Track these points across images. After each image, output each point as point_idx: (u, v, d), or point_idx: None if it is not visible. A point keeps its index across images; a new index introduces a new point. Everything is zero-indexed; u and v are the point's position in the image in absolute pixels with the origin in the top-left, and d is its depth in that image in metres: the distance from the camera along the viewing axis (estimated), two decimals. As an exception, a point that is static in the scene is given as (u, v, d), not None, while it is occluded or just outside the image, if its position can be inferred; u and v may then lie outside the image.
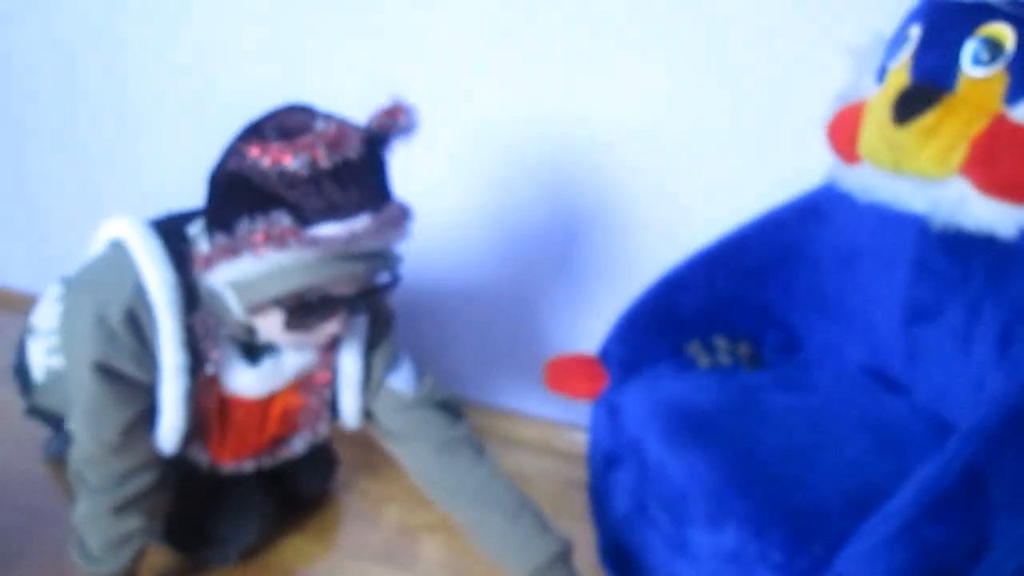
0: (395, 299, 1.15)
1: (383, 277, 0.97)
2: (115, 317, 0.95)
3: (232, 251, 0.85)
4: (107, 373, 0.98)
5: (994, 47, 0.93)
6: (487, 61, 1.44)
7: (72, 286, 1.01)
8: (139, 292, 0.95)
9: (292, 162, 0.81)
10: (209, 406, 1.08)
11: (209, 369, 1.03)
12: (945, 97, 0.95)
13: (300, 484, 1.42)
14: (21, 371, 1.32)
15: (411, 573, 1.31)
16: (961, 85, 0.95)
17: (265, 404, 1.12)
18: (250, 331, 1.01)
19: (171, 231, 0.99)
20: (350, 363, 1.13)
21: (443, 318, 1.69)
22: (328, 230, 0.83)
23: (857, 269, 1.18)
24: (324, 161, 0.81)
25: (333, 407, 1.18)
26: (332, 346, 1.11)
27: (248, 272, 0.86)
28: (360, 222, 0.85)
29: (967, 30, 0.95)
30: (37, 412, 1.36)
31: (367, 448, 1.52)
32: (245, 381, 1.08)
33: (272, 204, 0.82)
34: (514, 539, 1.08)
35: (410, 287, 1.64)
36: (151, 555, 1.28)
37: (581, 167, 1.44)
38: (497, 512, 1.09)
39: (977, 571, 0.80)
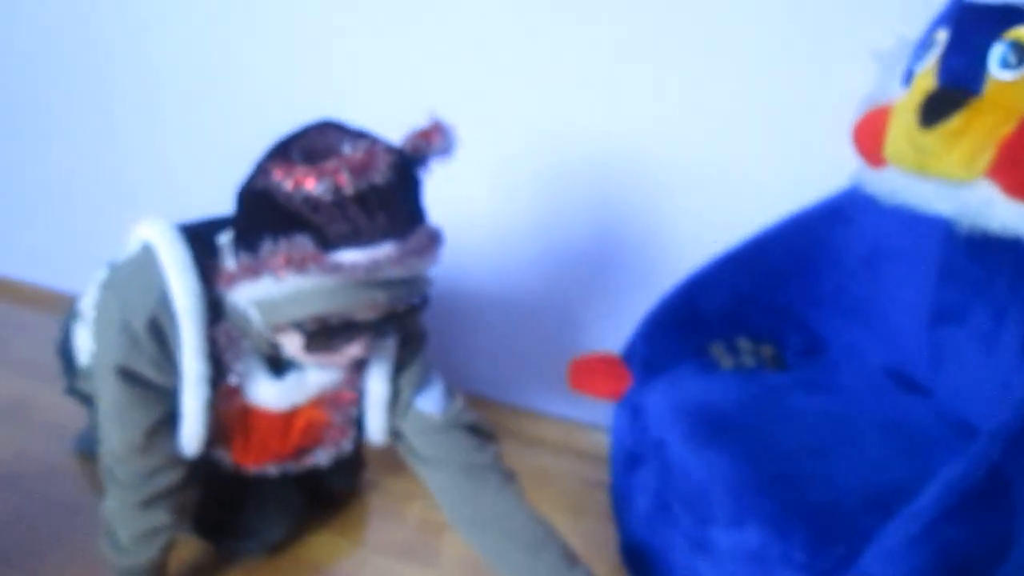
0: (427, 307, 1.14)
1: (411, 300, 0.93)
2: (139, 324, 0.95)
3: (254, 271, 0.85)
4: (130, 377, 0.99)
5: (1021, 50, 0.93)
6: (525, 70, 1.44)
7: (105, 284, 1.02)
8: (164, 300, 0.95)
9: (315, 187, 0.79)
10: (231, 415, 1.08)
11: (231, 380, 1.03)
12: (972, 100, 0.96)
13: (328, 483, 1.43)
14: (65, 354, 1.33)
15: (434, 569, 1.32)
16: (988, 88, 0.95)
17: (288, 417, 1.11)
18: (274, 346, 1.00)
19: (201, 239, 0.99)
20: (377, 384, 1.11)
21: (467, 317, 1.70)
22: (350, 256, 0.82)
23: (881, 272, 1.18)
24: (348, 187, 0.79)
25: (359, 424, 1.17)
26: (359, 366, 1.10)
27: (270, 293, 0.86)
28: (383, 250, 0.83)
29: (995, 34, 0.95)
30: (77, 393, 1.38)
31: (391, 447, 1.54)
32: (268, 394, 1.07)
33: (295, 227, 0.81)
34: (537, 574, 1.06)
35: (440, 289, 1.67)
36: (181, 546, 1.30)
37: (607, 171, 1.45)
38: (519, 545, 1.07)
39: (1000, 571, 0.80)
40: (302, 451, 1.19)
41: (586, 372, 1.27)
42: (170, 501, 1.11)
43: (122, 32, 1.80)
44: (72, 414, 1.57)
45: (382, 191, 0.81)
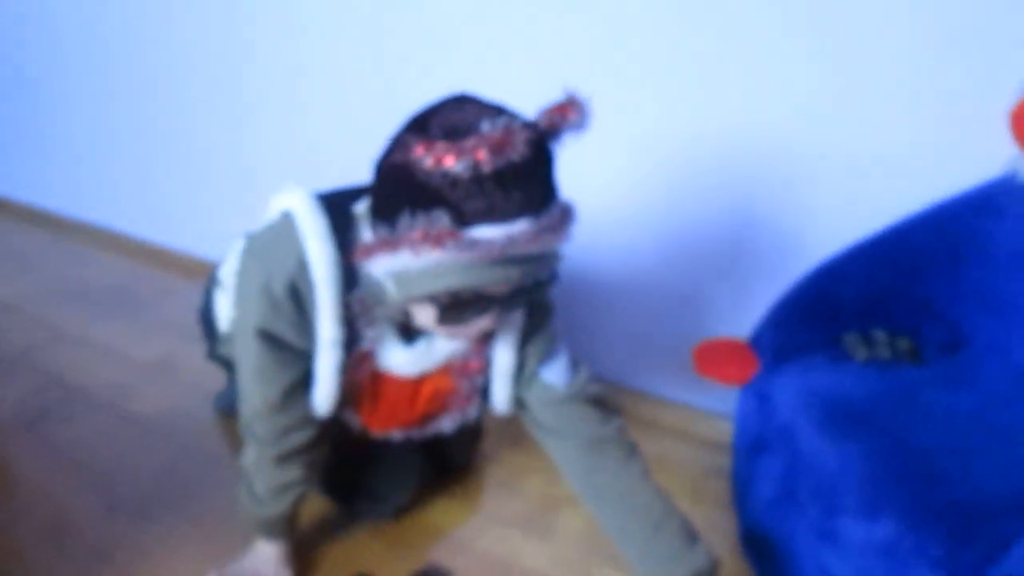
0: (554, 284, 1.14)
1: (541, 276, 0.93)
2: (279, 288, 0.99)
3: (391, 245, 0.86)
4: (270, 338, 1.05)
5: None
6: (663, 52, 1.43)
7: (246, 250, 1.06)
8: (302, 266, 0.98)
9: (455, 165, 0.79)
10: (362, 380, 1.12)
11: (364, 345, 1.06)
12: None
13: (449, 453, 1.48)
14: (207, 320, 1.41)
15: (550, 541, 1.35)
16: None
17: (416, 383, 1.15)
18: (406, 314, 1.01)
19: (338, 208, 1.01)
20: (504, 354, 1.13)
21: (591, 298, 1.72)
22: (486, 233, 0.82)
23: (1035, 268, 1.13)
24: (487, 165, 0.79)
25: (484, 392, 1.18)
26: (487, 336, 1.11)
27: (406, 266, 0.86)
28: (519, 226, 0.83)
29: None
30: (217, 358, 1.47)
31: (509, 421, 1.57)
32: (398, 360, 1.10)
33: (433, 202, 0.81)
34: (654, 552, 1.07)
35: (568, 271, 1.68)
36: (312, 504, 1.38)
37: (742, 154, 1.43)
38: (639, 521, 1.08)
39: None
40: (428, 417, 1.22)
41: (713, 357, 1.26)
42: (303, 458, 1.17)
43: (265, 36, 1.89)
44: (214, 373, 1.68)
45: (519, 168, 0.81)
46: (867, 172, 1.33)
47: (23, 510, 1.36)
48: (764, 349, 1.23)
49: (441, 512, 1.41)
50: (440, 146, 0.80)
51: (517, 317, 1.11)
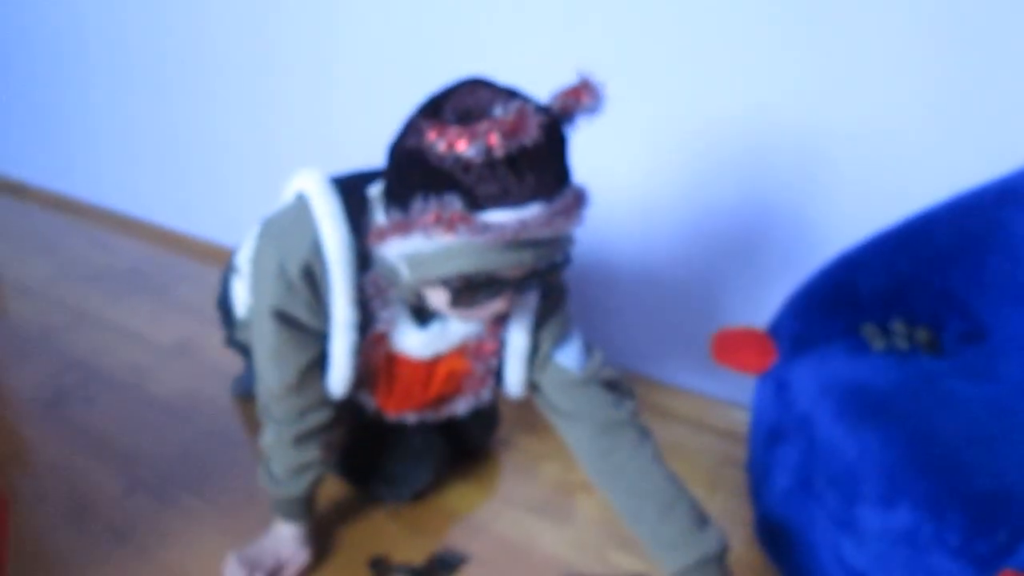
0: (568, 268, 1.13)
1: (554, 260, 0.93)
2: (294, 270, 1.00)
3: (404, 228, 0.86)
4: (285, 319, 1.05)
5: None
6: (680, 37, 1.42)
7: (261, 233, 1.06)
8: (316, 248, 0.99)
9: (468, 149, 0.79)
10: (376, 361, 1.13)
11: (378, 327, 1.07)
12: None
13: (465, 436, 1.49)
14: (225, 306, 1.43)
15: (566, 526, 1.35)
16: None
17: (431, 365, 1.15)
18: (420, 297, 1.02)
19: (352, 190, 1.01)
20: (518, 337, 1.13)
21: (607, 286, 1.72)
22: (498, 217, 0.82)
23: (1059, 259, 1.12)
24: (500, 149, 0.79)
25: (498, 375, 1.19)
26: (501, 319, 1.12)
27: (419, 250, 0.87)
28: (531, 211, 0.83)
29: None
30: (236, 344, 1.48)
31: (526, 406, 1.58)
32: (412, 342, 1.10)
33: (446, 186, 0.82)
34: (665, 535, 1.07)
35: (583, 257, 1.69)
36: (330, 487, 1.39)
37: (759, 141, 1.42)
38: (651, 504, 1.08)
39: None
40: (442, 400, 1.23)
41: (731, 345, 1.26)
42: (320, 438, 1.18)
43: (289, 22, 1.90)
44: (232, 357, 1.71)
45: (532, 153, 0.81)
46: (887, 161, 1.32)
47: (44, 490, 1.37)
48: (783, 338, 1.23)
49: (458, 496, 1.42)
50: (452, 130, 0.80)
51: (531, 300, 1.12)
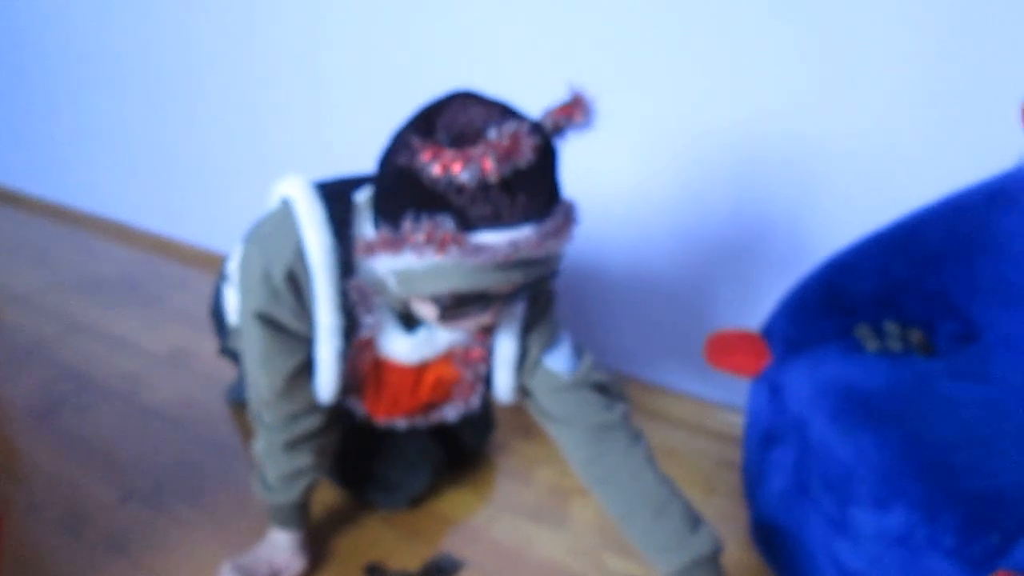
0: (562, 274, 1.11)
1: (543, 275, 0.93)
2: (278, 275, 1.00)
3: (394, 245, 0.86)
4: (271, 324, 1.05)
5: None
6: (672, 45, 1.43)
7: (247, 239, 1.06)
8: (300, 254, 0.99)
9: (462, 173, 0.78)
10: (364, 367, 1.12)
11: (365, 332, 1.07)
12: None
13: (460, 442, 1.48)
14: (217, 315, 1.43)
15: (562, 531, 1.35)
16: None
17: (419, 371, 1.15)
18: (406, 304, 1.03)
19: (337, 196, 1.01)
20: (506, 344, 1.13)
21: (602, 290, 1.72)
22: (489, 238, 0.82)
23: (1050, 260, 1.13)
24: (493, 174, 0.79)
25: (488, 381, 1.19)
26: (489, 328, 1.12)
27: (409, 267, 0.87)
28: (523, 232, 0.83)
29: None
30: (229, 352, 1.48)
31: (521, 411, 1.58)
32: (399, 347, 1.10)
33: (438, 206, 0.82)
34: (659, 537, 1.07)
35: (578, 262, 1.69)
36: (325, 493, 1.39)
37: (750, 146, 1.43)
38: (644, 506, 1.08)
39: None
40: (431, 406, 1.23)
41: (724, 348, 1.26)
42: (312, 444, 1.18)
43: (282, 31, 1.90)
44: (226, 364, 1.70)
45: (524, 175, 0.81)
46: (879, 164, 1.33)
47: (37, 500, 1.37)
48: (776, 340, 1.23)
49: (453, 502, 1.42)
50: (447, 154, 0.79)
51: (519, 306, 1.12)
